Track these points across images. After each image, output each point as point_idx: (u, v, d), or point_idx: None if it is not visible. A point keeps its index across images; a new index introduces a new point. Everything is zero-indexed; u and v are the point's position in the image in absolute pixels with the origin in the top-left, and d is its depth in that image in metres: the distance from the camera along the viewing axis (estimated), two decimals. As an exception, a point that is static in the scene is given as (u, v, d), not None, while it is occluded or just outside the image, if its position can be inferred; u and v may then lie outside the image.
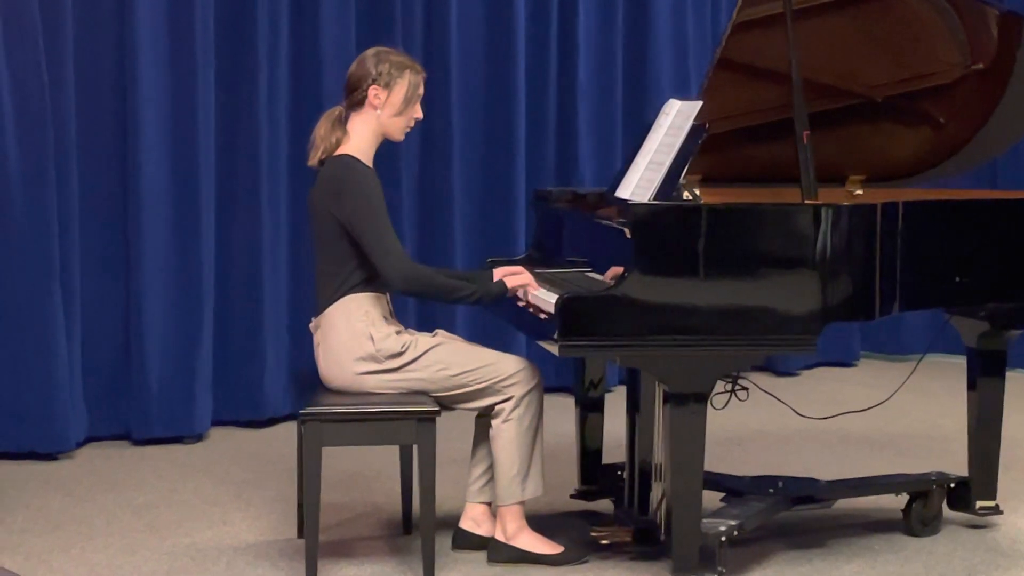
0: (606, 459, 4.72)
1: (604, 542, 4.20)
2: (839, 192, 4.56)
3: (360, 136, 4.13)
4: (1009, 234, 4.23)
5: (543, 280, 4.18)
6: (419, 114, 4.20)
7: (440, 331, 4.26)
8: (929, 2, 4.50)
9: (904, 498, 4.52)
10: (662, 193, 3.99)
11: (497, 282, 4.12)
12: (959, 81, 4.64)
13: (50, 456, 5.34)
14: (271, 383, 5.87)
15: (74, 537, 4.42)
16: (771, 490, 4.34)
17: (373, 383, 4.05)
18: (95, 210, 5.55)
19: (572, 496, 4.70)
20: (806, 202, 4.00)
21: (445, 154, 6.24)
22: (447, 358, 4.07)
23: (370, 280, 4.07)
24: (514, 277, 4.13)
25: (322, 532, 4.04)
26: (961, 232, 4.17)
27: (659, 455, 4.22)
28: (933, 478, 4.52)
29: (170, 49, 5.56)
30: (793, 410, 4.83)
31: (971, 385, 4.52)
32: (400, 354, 4.04)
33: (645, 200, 3.99)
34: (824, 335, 3.90)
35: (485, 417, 4.17)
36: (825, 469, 4.97)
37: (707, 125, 4.03)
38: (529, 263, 4.46)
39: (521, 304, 4.10)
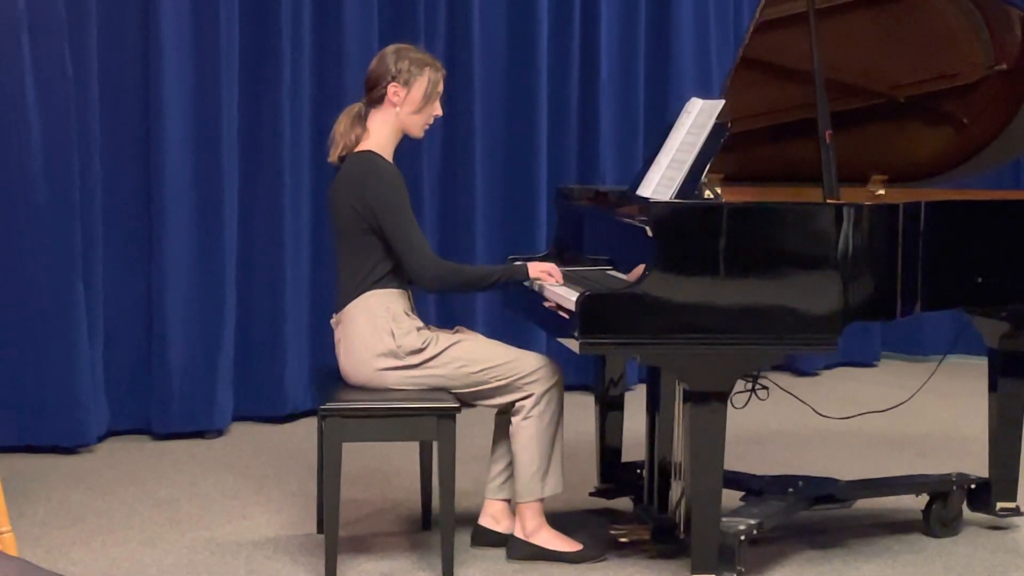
0: (626, 457, 4.72)
1: (623, 540, 4.21)
2: (861, 192, 4.55)
3: (380, 133, 4.13)
4: (1032, 235, 4.22)
5: (565, 278, 4.18)
6: (439, 111, 4.20)
7: (461, 328, 4.27)
8: (953, 2, 4.49)
9: (924, 499, 4.51)
10: (683, 192, 3.99)
11: (520, 265, 4.14)
12: (982, 81, 4.63)
13: (71, 450, 5.37)
14: (292, 378, 5.89)
15: (95, 530, 4.44)
16: (791, 490, 4.33)
17: (393, 379, 4.06)
18: (118, 206, 5.57)
19: (591, 494, 4.70)
20: (828, 202, 3.99)
21: (467, 152, 6.25)
22: (468, 355, 4.08)
23: (391, 276, 4.08)
24: (536, 264, 4.14)
25: (341, 527, 4.05)
26: (983, 232, 4.16)
27: (679, 453, 4.22)
28: (953, 479, 4.51)
29: (194, 45, 5.58)
30: (813, 410, 4.83)
31: (992, 386, 4.50)
32: (421, 350, 4.05)
33: (666, 199, 3.99)
34: (845, 335, 3.89)
35: (505, 414, 4.17)
36: (845, 469, 4.97)
37: (729, 124, 4.03)
38: (551, 261, 4.47)
39: (547, 305, 4.10)
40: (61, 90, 5.28)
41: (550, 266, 4.18)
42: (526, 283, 4.19)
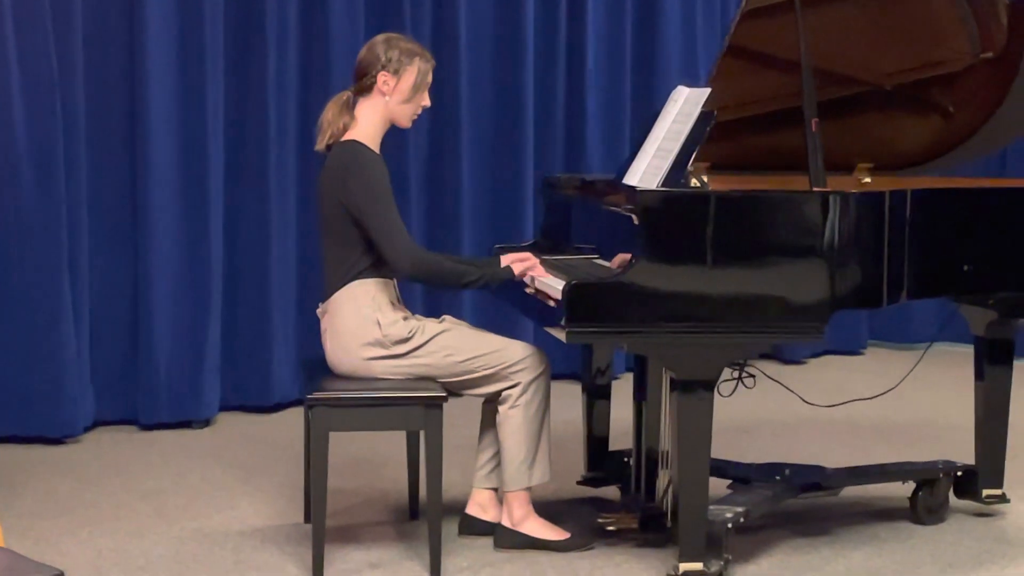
0: (613, 446, 4.72)
1: (610, 528, 4.21)
2: (847, 180, 4.55)
3: (368, 122, 4.13)
4: (1018, 223, 4.22)
5: (551, 267, 4.18)
6: (427, 102, 4.20)
7: (447, 317, 4.26)
8: (939, -10, 4.50)
9: (911, 486, 4.52)
10: (670, 180, 3.98)
11: (504, 267, 4.13)
12: (969, 69, 4.63)
13: (58, 440, 5.36)
14: (279, 368, 5.88)
15: (82, 521, 4.44)
16: (777, 477, 4.35)
17: (380, 368, 4.05)
18: (104, 194, 5.56)
19: (579, 483, 4.71)
20: (814, 190, 3.99)
21: (454, 141, 6.24)
22: (454, 344, 4.08)
23: (377, 265, 4.08)
24: (521, 263, 4.14)
25: (329, 517, 4.04)
26: (970, 220, 4.17)
27: (666, 442, 4.22)
28: (940, 466, 4.53)
29: (179, 33, 5.56)
30: (800, 398, 4.83)
31: (978, 374, 4.51)
32: (407, 339, 4.05)
33: (653, 187, 3.99)
34: (831, 323, 3.89)
35: (492, 403, 4.17)
36: (832, 457, 4.97)
37: (715, 112, 4.03)
38: (537, 250, 4.46)
39: (529, 291, 4.10)
40: (46, 81, 5.26)
41: (526, 256, 4.16)
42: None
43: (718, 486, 4.24)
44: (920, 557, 4.19)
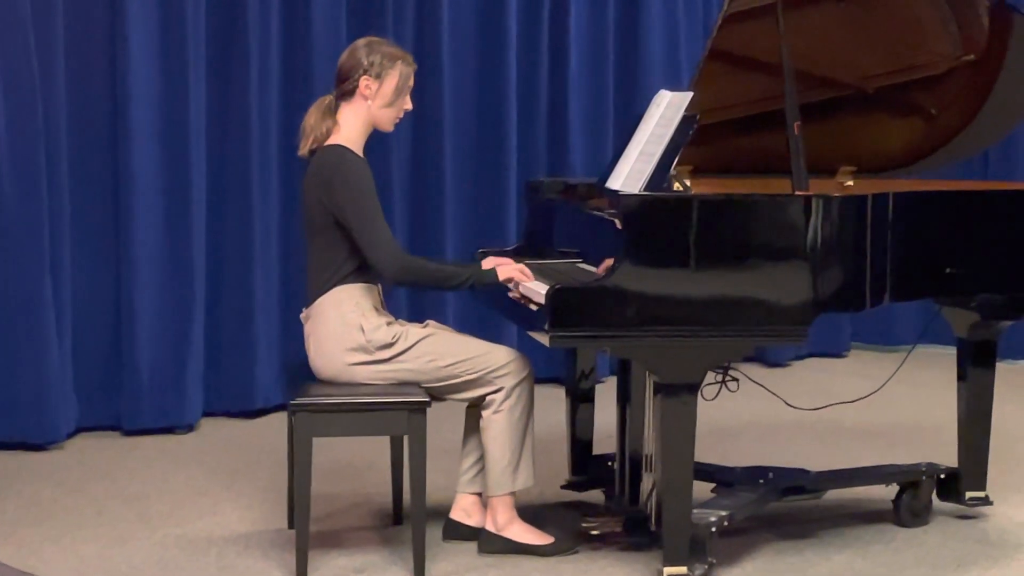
0: (597, 450, 4.72)
1: (595, 533, 4.21)
2: (830, 183, 4.55)
3: (350, 126, 4.12)
4: (1000, 225, 4.24)
5: (534, 271, 4.17)
6: (409, 106, 4.20)
7: (431, 322, 4.26)
8: (921, -7, 4.51)
9: (894, 489, 4.53)
10: (653, 184, 3.99)
11: (489, 270, 4.12)
12: (950, 72, 4.64)
13: (41, 446, 5.34)
14: (262, 373, 5.87)
15: (65, 527, 4.42)
16: (761, 481, 4.35)
17: (364, 374, 4.05)
18: (86, 200, 5.54)
19: (563, 487, 4.70)
20: (797, 193, 3.99)
21: (437, 145, 6.24)
22: (438, 349, 4.07)
23: (361, 271, 4.07)
24: (505, 268, 4.12)
25: (313, 522, 4.04)
26: (952, 223, 4.18)
27: (650, 446, 4.22)
28: (923, 469, 4.53)
29: (161, 38, 5.55)
30: (783, 401, 4.83)
31: (961, 376, 4.52)
32: (391, 345, 4.04)
33: (636, 191, 3.99)
34: (815, 326, 3.90)
35: (476, 408, 4.17)
36: (815, 460, 4.97)
37: (698, 116, 4.03)
38: (520, 254, 4.47)
39: (513, 296, 4.09)
40: (27, 83, 5.24)
41: (519, 267, 4.15)
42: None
43: (702, 490, 4.24)
44: (904, 559, 4.20)
